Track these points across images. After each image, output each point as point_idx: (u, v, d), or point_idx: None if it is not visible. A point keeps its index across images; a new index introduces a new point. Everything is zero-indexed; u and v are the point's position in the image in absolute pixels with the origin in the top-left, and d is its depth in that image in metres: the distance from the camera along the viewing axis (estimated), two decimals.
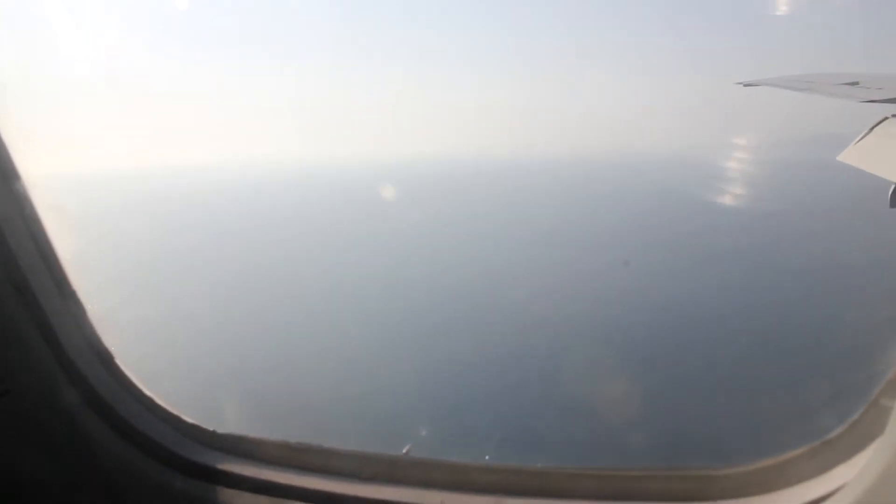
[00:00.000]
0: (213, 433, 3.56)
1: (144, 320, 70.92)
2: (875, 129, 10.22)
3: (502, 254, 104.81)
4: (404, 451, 3.48)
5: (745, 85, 13.19)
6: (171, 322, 71.04)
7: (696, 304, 67.67)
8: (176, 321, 71.40)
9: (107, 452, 3.47)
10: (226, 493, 3.30)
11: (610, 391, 42.04)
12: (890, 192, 10.33)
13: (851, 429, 2.30)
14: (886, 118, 10.06)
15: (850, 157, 10.48)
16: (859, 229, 75.72)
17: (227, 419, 43.30)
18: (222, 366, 55.84)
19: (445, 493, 2.99)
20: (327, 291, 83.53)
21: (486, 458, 35.33)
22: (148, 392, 3.68)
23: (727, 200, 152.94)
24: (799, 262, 76.53)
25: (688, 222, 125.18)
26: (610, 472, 2.94)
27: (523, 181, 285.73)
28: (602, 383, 43.72)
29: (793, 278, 70.58)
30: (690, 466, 2.87)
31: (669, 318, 61.76)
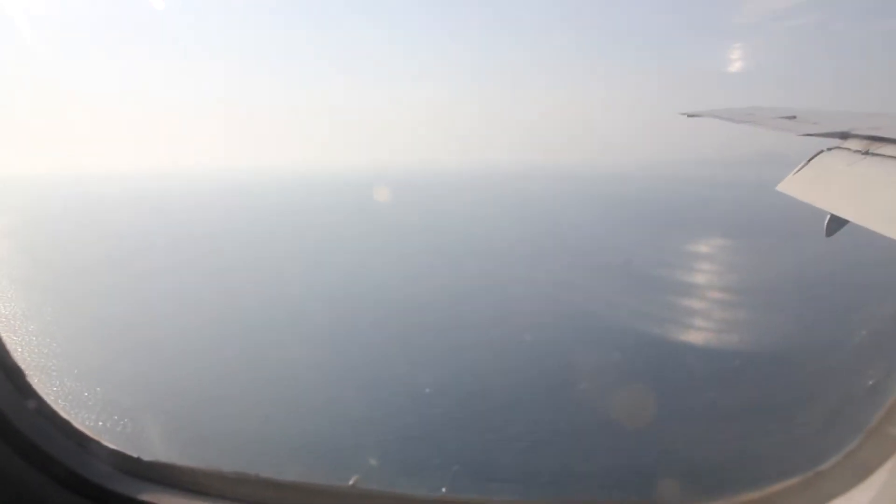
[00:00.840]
0: (137, 460, 3.20)
1: (75, 331, 68.85)
2: (812, 161, 10.64)
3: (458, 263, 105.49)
4: (351, 482, 3.21)
5: (689, 116, 13.56)
6: (99, 335, 68.59)
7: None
8: (107, 332, 68.89)
9: (10, 478, 3.07)
10: None
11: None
12: (825, 222, 10.76)
13: (848, 458, 2.14)
14: (822, 151, 10.47)
15: (789, 187, 10.85)
16: (794, 255, 78.71)
17: (154, 445, 41.58)
18: (149, 386, 53.67)
19: None
20: (272, 305, 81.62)
21: (443, 490, 34.67)
22: (63, 414, 3.30)
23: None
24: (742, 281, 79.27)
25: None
26: None
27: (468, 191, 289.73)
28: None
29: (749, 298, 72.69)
30: (668, 502, 2.70)
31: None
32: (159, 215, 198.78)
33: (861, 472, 2.07)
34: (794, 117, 10.98)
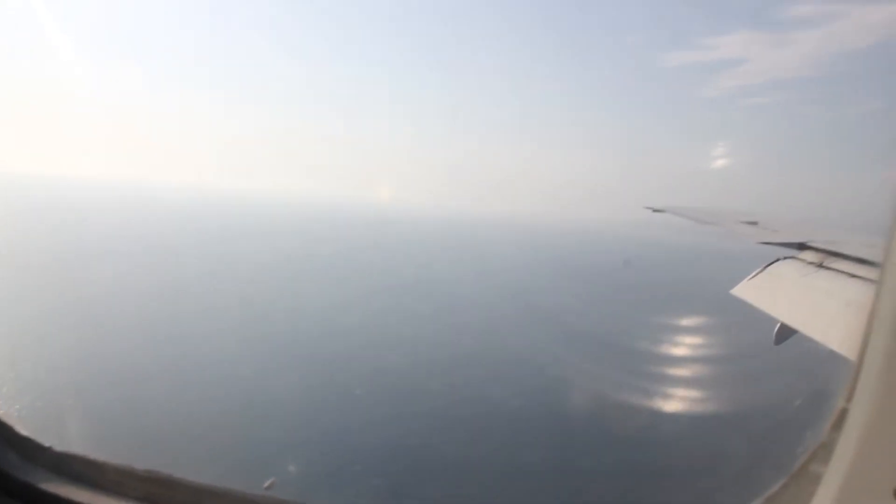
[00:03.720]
0: (48, 449, 2.97)
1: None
2: (767, 268, 10.97)
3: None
4: (266, 485, 3.01)
5: (654, 210, 13.97)
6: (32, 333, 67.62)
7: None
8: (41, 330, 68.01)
9: None
10: None
11: None
12: (775, 330, 11.02)
13: (770, 501, 2.15)
14: (778, 259, 10.84)
15: (743, 292, 11.13)
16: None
17: (71, 437, 40.70)
18: (75, 380, 53.02)
19: None
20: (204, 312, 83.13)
21: None
22: None
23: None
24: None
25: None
26: None
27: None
28: None
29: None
30: None
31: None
32: (124, 225, 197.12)
33: None
34: (756, 223, 11.39)
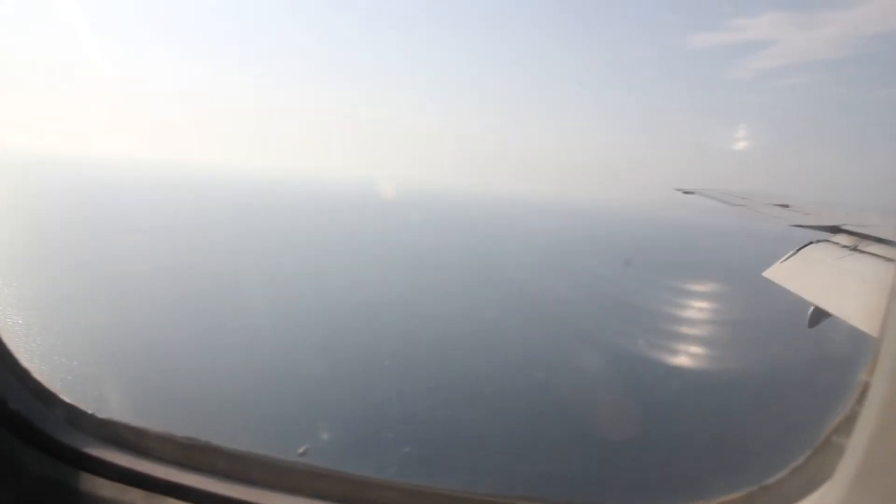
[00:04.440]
0: (91, 416, 3.12)
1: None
2: (800, 251, 10.80)
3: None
4: (300, 451, 3.14)
5: (685, 192, 13.82)
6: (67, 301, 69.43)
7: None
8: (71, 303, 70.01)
9: None
10: (93, 482, 2.84)
11: None
12: (809, 313, 10.85)
13: (794, 473, 2.18)
14: (811, 242, 10.66)
15: (776, 274, 10.97)
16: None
17: (112, 405, 42.39)
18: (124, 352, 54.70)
19: None
20: (237, 293, 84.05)
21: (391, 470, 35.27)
22: (23, 363, 3.23)
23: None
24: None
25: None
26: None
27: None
28: None
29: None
30: None
31: None
32: (159, 205, 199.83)
33: (808, 485, 2.11)
34: (788, 206, 11.20)
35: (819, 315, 10.29)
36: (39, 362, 49.32)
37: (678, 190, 13.91)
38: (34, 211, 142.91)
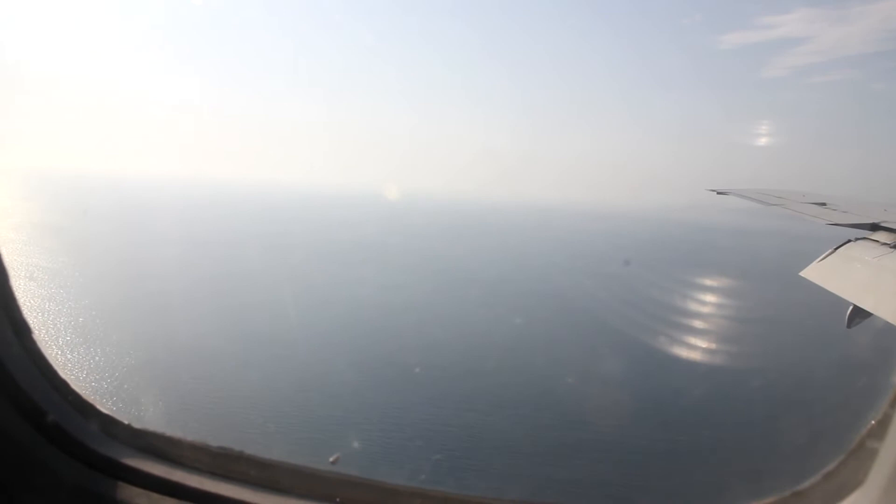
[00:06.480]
0: (127, 426, 3.21)
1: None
2: (838, 250, 10.50)
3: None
4: (331, 460, 3.18)
5: (718, 193, 13.60)
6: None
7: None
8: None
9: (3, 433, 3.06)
10: (128, 491, 2.91)
11: None
12: (847, 313, 10.54)
13: (826, 479, 2.12)
14: (849, 240, 10.36)
15: (813, 273, 10.68)
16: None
17: (147, 416, 43.67)
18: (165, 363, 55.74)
19: None
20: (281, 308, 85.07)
21: (422, 478, 35.42)
22: (62, 374, 3.32)
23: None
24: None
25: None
26: None
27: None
28: None
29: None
30: None
31: None
32: (198, 222, 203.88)
33: (841, 491, 2.05)
34: (825, 204, 10.92)
35: (857, 314, 9.99)
36: (79, 373, 50.93)
37: (712, 190, 13.70)
38: (78, 230, 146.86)
